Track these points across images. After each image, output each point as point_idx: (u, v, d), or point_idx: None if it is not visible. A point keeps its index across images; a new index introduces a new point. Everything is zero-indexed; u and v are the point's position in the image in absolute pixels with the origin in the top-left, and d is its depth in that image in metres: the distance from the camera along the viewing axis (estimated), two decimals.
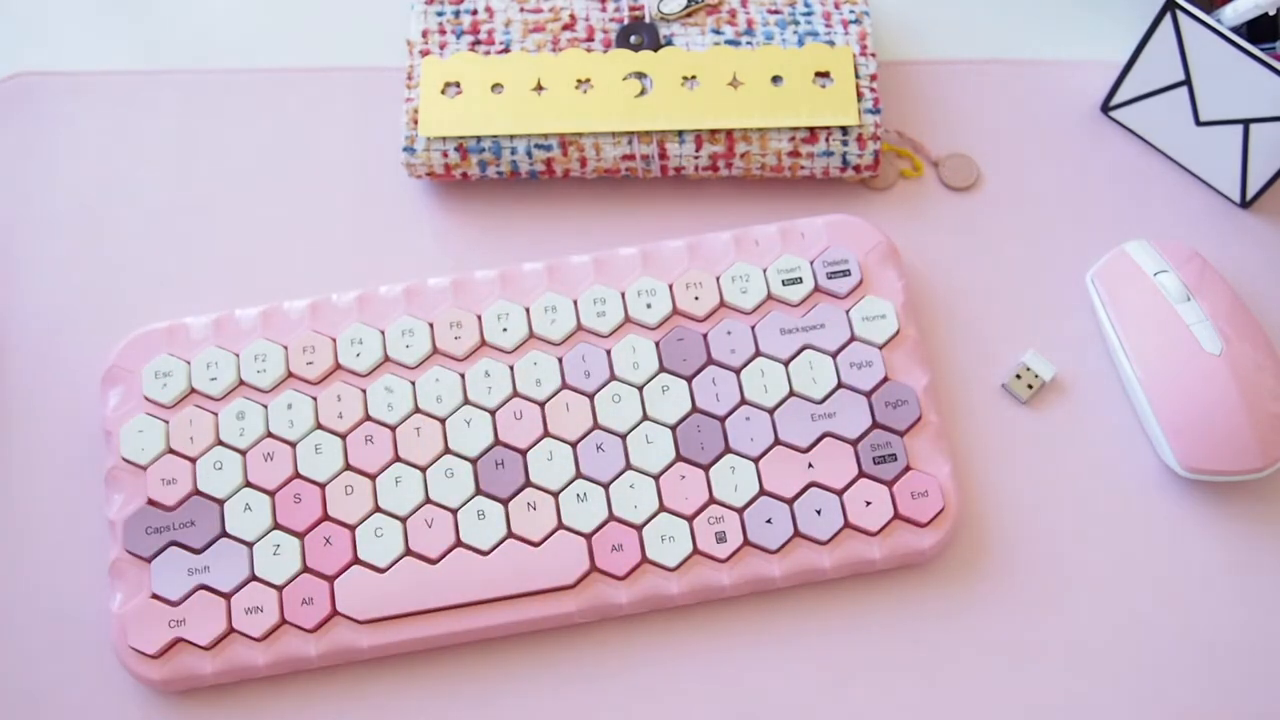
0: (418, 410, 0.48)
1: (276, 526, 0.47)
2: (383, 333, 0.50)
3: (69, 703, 0.46)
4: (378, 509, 0.47)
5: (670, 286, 0.50)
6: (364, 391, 0.49)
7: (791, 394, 0.48)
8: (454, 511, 0.47)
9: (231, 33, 0.59)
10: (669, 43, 0.54)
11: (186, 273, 0.54)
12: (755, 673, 0.46)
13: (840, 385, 0.48)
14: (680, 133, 0.52)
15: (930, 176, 0.55)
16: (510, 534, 0.46)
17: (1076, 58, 0.58)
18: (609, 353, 0.49)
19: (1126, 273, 0.50)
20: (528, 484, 0.47)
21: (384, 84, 0.57)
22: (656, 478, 0.47)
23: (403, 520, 0.47)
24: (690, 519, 0.46)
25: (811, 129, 0.52)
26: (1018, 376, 0.51)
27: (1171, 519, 0.49)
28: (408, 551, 0.46)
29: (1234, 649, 0.47)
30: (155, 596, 0.46)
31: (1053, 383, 0.51)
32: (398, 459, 0.47)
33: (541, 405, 0.48)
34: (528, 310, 0.50)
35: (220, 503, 0.47)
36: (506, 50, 0.54)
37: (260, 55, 0.58)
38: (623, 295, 0.50)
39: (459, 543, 0.46)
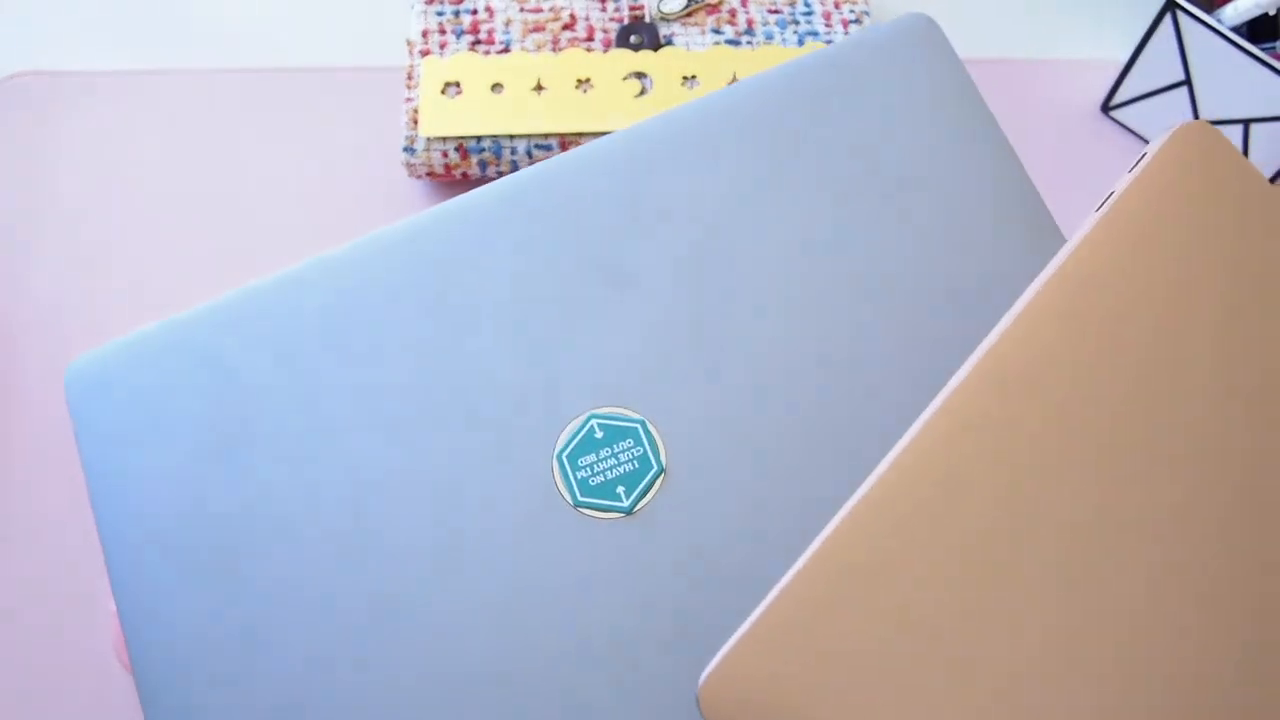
0: None
1: None
2: None
3: (69, 703, 0.46)
4: None
5: None
6: None
7: None
8: None
9: (231, 33, 0.59)
10: (669, 43, 0.54)
11: (187, 272, 0.54)
12: None
13: None
14: None
15: None
16: None
17: (1076, 58, 0.58)
18: None
19: None
20: None
21: (384, 84, 0.57)
22: None
23: None
24: None
25: None
26: None
27: None
28: None
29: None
30: None
31: None
32: None
33: None
34: None
35: None
36: (506, 50, 0.54)
37: (260, 55, 0.58)
38: None
39: None
